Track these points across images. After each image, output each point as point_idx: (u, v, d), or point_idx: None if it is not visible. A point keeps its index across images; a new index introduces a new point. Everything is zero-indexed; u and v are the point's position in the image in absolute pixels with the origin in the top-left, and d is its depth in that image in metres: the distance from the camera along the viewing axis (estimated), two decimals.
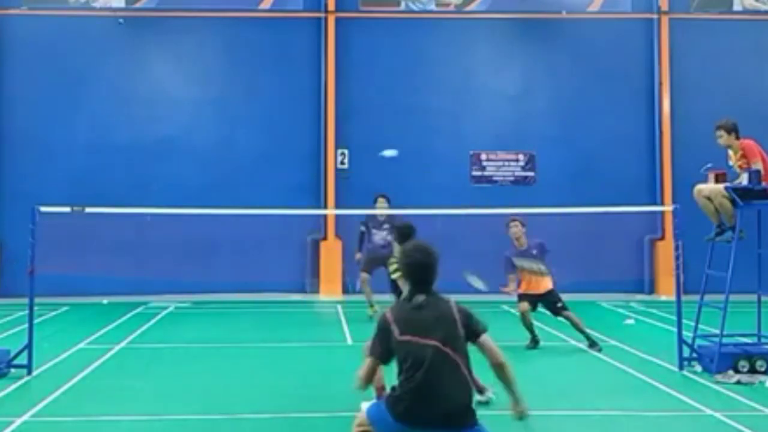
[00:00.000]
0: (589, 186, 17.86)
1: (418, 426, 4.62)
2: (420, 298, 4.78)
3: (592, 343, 10.95)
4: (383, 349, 4.76)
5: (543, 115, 18.81)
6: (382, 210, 13.52)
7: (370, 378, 4.90)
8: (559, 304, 11.15)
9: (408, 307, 4.80)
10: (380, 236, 13.55)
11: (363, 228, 13.84)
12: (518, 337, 12.41)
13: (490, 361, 4.77)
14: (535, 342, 11.24)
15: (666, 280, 16.57)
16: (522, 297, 11.20)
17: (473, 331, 4.76)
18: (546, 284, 11.26)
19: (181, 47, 18.79)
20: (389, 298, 11.63)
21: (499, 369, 4.80)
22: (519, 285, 11.23)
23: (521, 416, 4.91)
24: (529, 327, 11.23)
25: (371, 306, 13.45)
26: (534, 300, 11.19)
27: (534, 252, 11.14)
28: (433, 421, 4.59)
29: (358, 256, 13.93)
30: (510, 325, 13.68)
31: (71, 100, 18.14)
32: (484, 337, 4.78)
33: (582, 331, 11.03)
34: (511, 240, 11.30)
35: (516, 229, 11.19)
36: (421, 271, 4.86)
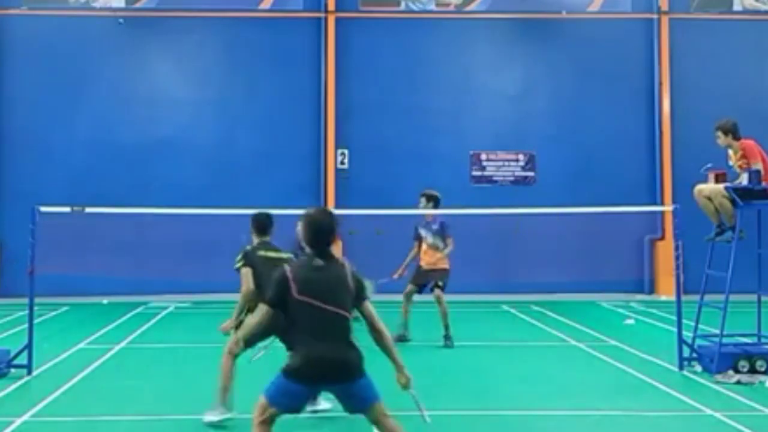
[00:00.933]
0: (589, 186, 17.86)
1: (319, 383, 5.04)
2: (319, 261, 5.03)
3: (448, 338, 11.12)
4: (277, 299, 5.01)
5: (543, 115, 18.81)
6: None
7: (259, 327, 5.44)
8: (440, 284, 11.29)
9: (307, 267, 5.05)
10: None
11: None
12: (518, 337, 12.42)
13: (370, 327, 5.07)
14: (401, 338, 10.98)
15: (666, 280, 16.57)
16: (416, 273, 11.57)
17: (360, 297, 5.06)
18: (442, 263, 11.43)
19: (181, 47, 18.79)
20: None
21: (379, 335, 5.08)
22: (420, 259, 11.63)
23: (405, 386, 5.13)
24: (405, 313, 11.46)
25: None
26: (425, 277, 11.44)
27: (434, 227, 11.47)
28: (329, 376, 4.94)
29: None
30: (510, 325, 13.70)
31: (71, 100, 18.14)
32: (367, 303, 5.09)
33: (445, 322, 11.17)
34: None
35: (421, 204, 11.61)
36: (320, 234, 5.07)
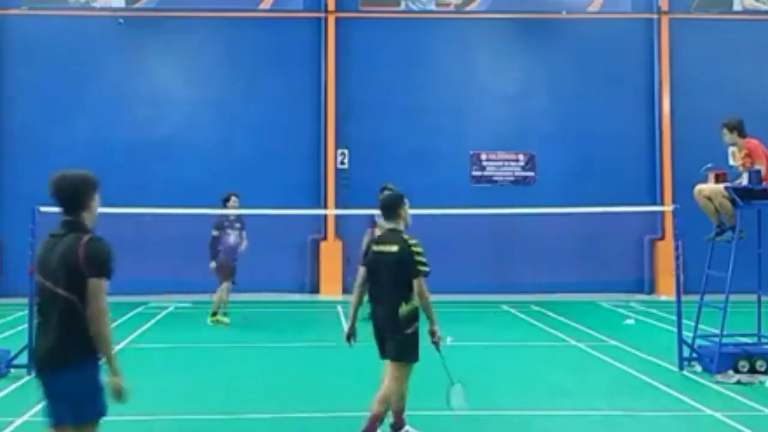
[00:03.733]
0: (589, 186, 17.86)
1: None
2: (55, 231, 4.60)
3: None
4: None
5: (543, 115, 18.82)
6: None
7: None
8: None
9: (45, 243, 4.61)
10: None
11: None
12: (518, 337, 12.43)
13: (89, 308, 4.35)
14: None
15: (666, 280, 16.57)
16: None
17: (90, 272, 4.40)
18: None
19: (181, 47, 18.79)
20: None
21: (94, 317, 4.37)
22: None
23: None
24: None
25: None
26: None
27: None
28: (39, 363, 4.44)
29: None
30: (510, 325, 13.70)
31: (71, 99, 18.15)
32: (93, 281, 4.37)
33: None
34: None
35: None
36: (56, 199, 4.61)
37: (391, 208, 6.58)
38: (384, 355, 6.52)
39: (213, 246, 13.25)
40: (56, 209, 4.74)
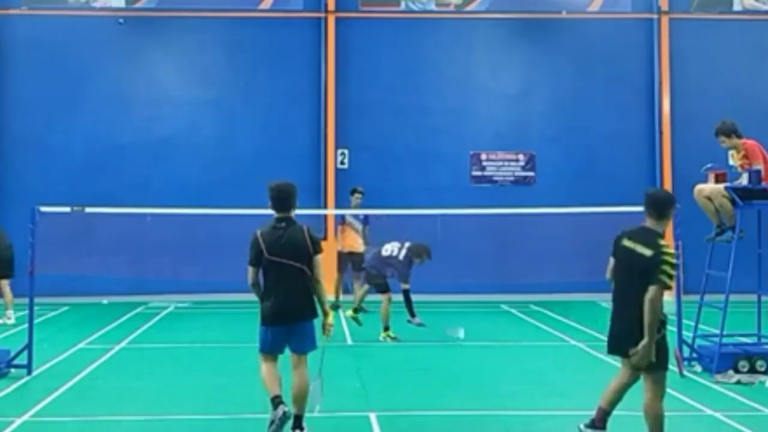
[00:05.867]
0: (589, 186, 17.84)
1: None
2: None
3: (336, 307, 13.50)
4: None
5: (543, 115, 18.81)
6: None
7: None
8: (364, 266, 12.87)
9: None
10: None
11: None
12: (518, 337, 12.44)
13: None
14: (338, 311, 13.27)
15: None
16: (340, 254, 14.94)
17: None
18: (359, 246, 14.68)
19: (181, 47, 18.79)
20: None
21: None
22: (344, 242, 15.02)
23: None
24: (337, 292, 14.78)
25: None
26: (348, 258, 14.79)
27: (361, 217, 14.75)
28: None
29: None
30: (510, 325, 13.70)
31: (71, 100, 18.14)
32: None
33: (361, 301, 12.61)
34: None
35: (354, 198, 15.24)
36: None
37: None
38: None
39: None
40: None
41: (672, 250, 5.96)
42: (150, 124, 18.26)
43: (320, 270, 6.90)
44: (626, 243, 6.17)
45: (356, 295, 13.16)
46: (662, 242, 5.98)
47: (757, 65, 18.92)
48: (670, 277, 5.86)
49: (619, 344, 6.19)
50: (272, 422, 6.43)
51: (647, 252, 5.92)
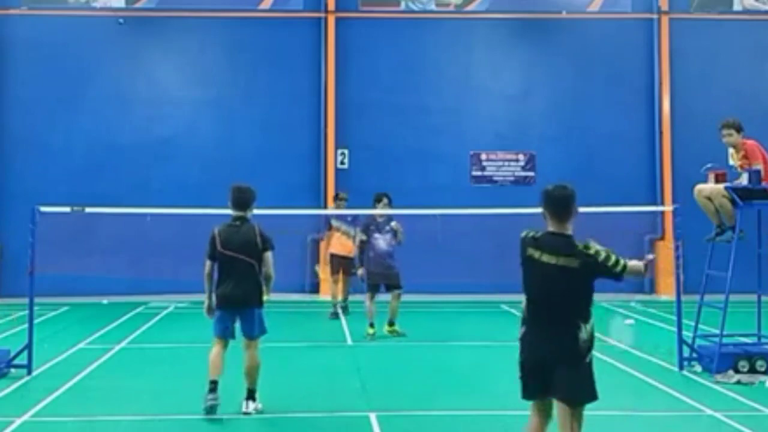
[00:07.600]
0: (589, 186, 17.67)
1: None
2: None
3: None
4: None
5: (543, 115, 18.81)
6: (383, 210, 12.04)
7: None
8: (353, 270, 12.87)
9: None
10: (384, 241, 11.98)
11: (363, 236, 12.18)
12: (516, 337, 12.42)
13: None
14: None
15: (666, 280, 16.55)
16: (332, 256, 14.38)
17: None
18: (349, 250, 13.73)
19: (181, 47, 18.79)
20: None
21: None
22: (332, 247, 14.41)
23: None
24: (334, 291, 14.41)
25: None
26: (339, 261, 14.13)
27: (348, 219, 13.90)
28: None
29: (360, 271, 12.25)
30: (510, 325, 13.68)
31: (71, 100, 18.14)
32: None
33: (345, 298, 13.92)
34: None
35: (336, 204, 15.12)
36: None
37: None
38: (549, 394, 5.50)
39: (361, 251, 12.15)
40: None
41: (591, 242, 5.30)
42: (150, 124, 18.26)
43: (270, 265, 7.63)
44: (535, 254, 5.48)
45: (369, 311, 11.65)
46: (579, 244, 5.29)
47: (757, 65, 18.92)
48: (617, 262, 5.30)
49: (543, 376, 5.42)
50: (204, 408, 7.35)
51: (572, 263, 5.26)
